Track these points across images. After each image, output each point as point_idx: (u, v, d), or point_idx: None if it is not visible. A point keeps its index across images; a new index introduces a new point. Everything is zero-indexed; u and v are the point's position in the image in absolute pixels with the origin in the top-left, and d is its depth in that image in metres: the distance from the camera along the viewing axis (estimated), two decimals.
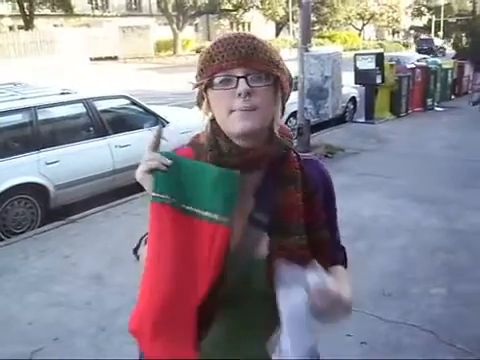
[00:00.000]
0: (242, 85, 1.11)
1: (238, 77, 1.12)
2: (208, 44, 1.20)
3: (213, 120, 1.21)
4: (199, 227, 1.10)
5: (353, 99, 11.63)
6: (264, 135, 1.19)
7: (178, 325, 1.09)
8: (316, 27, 48.99)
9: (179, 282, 1.09)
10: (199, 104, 1.24)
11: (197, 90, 1.21)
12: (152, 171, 1.10)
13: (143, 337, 1.11)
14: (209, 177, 1.11)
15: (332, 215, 1.30)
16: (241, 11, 47.36)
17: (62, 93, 5.92)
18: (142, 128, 6.51)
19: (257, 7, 46.74)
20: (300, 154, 1.28)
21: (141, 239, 1.25)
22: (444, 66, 13.75)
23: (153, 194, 1.10)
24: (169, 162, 1.10)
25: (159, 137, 1.14)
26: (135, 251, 1.27)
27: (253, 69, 1.13)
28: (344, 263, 1.35)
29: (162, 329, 1.09)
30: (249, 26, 53.02)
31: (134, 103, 6.67)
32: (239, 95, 1.12)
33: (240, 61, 1.12)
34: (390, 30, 68.91)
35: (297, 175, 1.22)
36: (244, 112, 1.12)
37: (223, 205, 1.10)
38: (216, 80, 1.15)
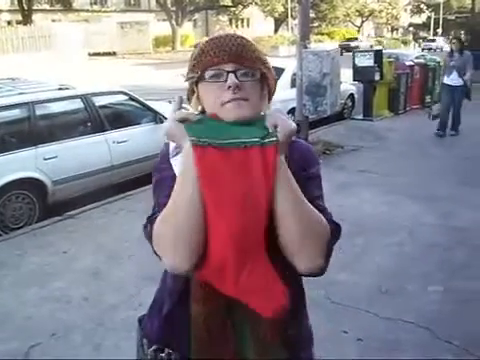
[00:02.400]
0: (231, 79, 1.21)
1: (228, 72, 1.21)
2: (201, 42, 1.30)
3: (202, 113, 1.29)
4: (246, 154, 1.14)
5: (351, 96, 11.62)
6: None
7: (253, 256, 1.13)
8: (315, 24, 48.98)
9: (244, 213, 1.11)
10: (189, 98, 1.34)
11: (188, 86, 1.32)
12: (184, 121, 1.19)
13: (226, 282, 1.13)
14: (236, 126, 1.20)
15: (313, 189, 1.31)
16: (240, 7, 47.33)
17: (60, 88, 5.90)
18: (140, 124, 6.52)
19: (256, 3, 46.70)
20: None
21: (148, 218, 1.28)
22: (443, 63, 13.71)
23: (192, 138, 1.14)
24: (197, 116, 1.22)
25: (181, 103, 1.25)
26: (145, 227, 1.27)
27: (241, 65, 1.22)
28: (333, 231, 1.25)
29: (242, 266, 1.12)
30: (248, 22, 52.94)
31: (132, 99, 6.65)
32: (229, 88, 1.20)
33: (230, 57, 1.22)
34: (389, 27, 68.91)
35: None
36: (237, 102, 1.20)
37: (260, 131, 1.17)
38: (207, 74, 1.24)
